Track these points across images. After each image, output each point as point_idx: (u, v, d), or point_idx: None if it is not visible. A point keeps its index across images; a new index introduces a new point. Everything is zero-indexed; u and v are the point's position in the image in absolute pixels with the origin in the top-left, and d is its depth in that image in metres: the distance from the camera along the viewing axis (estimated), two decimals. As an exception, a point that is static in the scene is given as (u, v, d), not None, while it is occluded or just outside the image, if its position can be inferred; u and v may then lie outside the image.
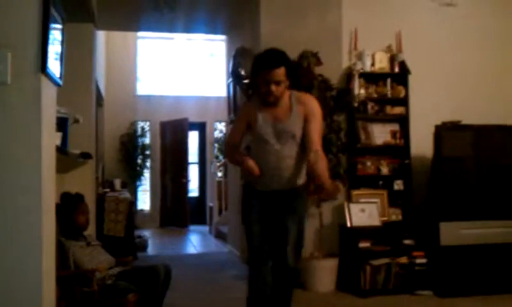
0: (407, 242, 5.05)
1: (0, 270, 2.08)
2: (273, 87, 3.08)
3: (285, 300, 3.34)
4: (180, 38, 11.55)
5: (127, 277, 3.53)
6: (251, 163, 3.16)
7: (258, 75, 3.15)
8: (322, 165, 2.96)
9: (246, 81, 5.54)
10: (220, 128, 11.70)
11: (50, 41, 2.19)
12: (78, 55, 5.17)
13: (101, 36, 8.60)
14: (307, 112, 3.20)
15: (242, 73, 5.59)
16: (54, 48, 2.32)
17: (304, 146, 3.20)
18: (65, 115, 4.27)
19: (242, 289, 5.31)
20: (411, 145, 5.37)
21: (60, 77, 2.43)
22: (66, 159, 4.00)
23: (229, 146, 3.45)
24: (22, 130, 2.12)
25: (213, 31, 8.71)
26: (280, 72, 3.07)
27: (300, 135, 3.21)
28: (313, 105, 3.26)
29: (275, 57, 3.12)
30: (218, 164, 10.48)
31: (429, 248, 4.97)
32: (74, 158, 4.45)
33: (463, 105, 5.46)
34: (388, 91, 5.42)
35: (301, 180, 3.33)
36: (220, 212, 9.63)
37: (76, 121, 4.80)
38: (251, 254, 3.33)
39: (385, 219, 5.24)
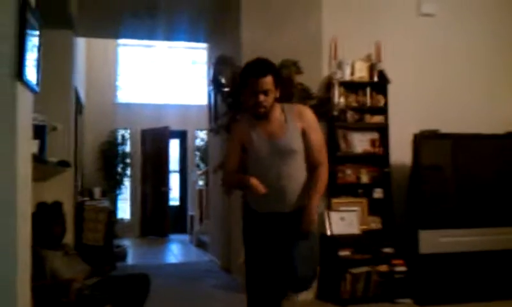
0: (387, 250, 5.06)
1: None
2: (261, 97, 2.89)
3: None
4: (161, 45, 11.52)
5: (104, 287, 3.49)
6: (255, 181, 2.90)
7: (245, 87, 2.95)
8: (319, 195, 2.97)
9: (226, 89, 5.52)
10: (201, 137, 11.67)
11: (27, 47, 2.16)
12: (56, 62, 5.14)
13: (81, 43, 8.54)
14: (305, 124, 3.01)
15: (223, 81, 5.57)
16: (31, 54, 2.29)
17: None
18: (43, 122, 4.22)
19: (222, 298, 5.33)
20: (390, 153, 5.40)
21: (37, 84, 2.40)
22: (44, 167, 3.96)
23: (229, 174, 3.13)
24: (-3, 138, 2.08)
25: (194, 38, 8.70)
26: (268, 81, 2.89)
27: (302, 149, 3.00)
28: (309, 116, 3.07)
29: (261, 65, 2.95)
30: (199, 172, 10.43)
31: (409, 256, 4.99)
32: (52, 166, 4.41)
33: (441, 114, 5.52)
34: (368, 99, 5.46)
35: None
36: (201, 220, 9.58)
37: (54, 128, 4.76)
38: (251, 284, 3.05)
39: (365, 227, 5.26)
